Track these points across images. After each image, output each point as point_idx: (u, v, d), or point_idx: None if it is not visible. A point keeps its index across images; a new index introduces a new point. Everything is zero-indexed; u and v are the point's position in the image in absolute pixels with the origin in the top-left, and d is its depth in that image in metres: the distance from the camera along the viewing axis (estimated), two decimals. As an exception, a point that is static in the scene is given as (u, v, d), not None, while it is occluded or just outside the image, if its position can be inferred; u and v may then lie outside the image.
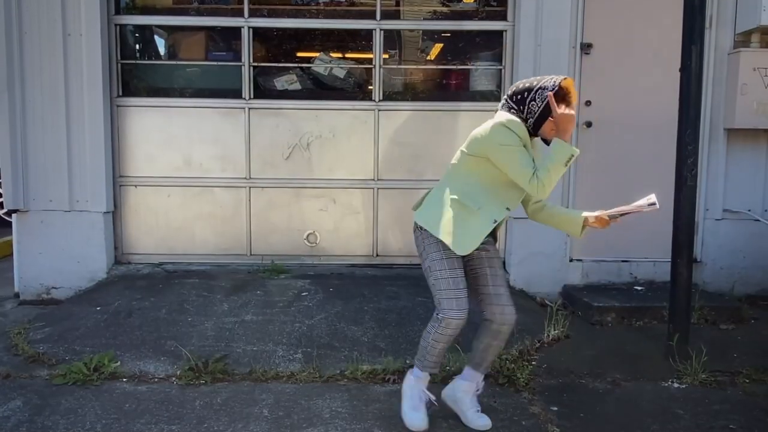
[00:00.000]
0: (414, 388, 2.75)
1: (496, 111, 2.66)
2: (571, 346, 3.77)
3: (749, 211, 4.68)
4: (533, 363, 3.49)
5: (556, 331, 3.82)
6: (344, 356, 3.45)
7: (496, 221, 2.59)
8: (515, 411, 2.99)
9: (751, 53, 4.44)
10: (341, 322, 3.83)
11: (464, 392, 2.80)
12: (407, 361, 3.37)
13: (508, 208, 2.63)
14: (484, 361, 2.78)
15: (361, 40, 4.95)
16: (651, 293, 4.51)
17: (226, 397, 3.07)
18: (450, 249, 2.56)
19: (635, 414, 3.01)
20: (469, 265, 2.73)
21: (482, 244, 2.63)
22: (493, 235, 2.71)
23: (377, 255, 4.91)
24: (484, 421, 2.77)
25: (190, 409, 2.94)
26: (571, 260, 4.72)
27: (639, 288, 4.63)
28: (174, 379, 3.25)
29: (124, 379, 3.25)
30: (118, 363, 3.35)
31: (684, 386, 3.32)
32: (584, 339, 3.89)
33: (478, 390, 2.82)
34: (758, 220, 4.66)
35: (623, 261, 4.74)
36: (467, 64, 4.92)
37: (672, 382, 3.36)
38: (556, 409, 3.03)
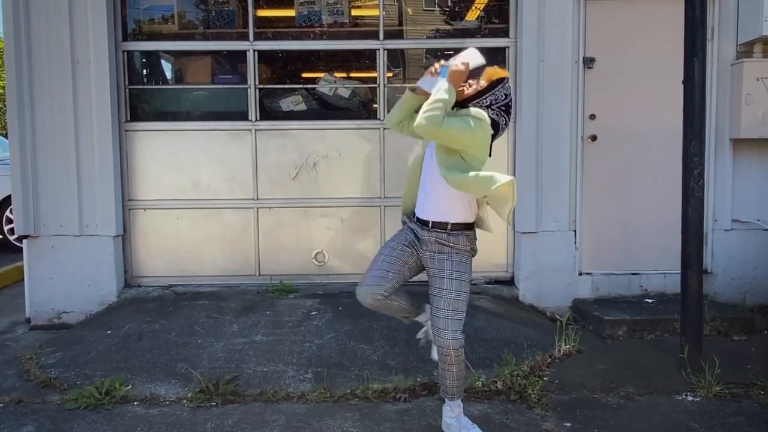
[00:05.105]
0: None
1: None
2: (583, 360, 3.75)
3: (758, 220, 4.65)
4: (545, 378, 3.47)
5: (568, 346, 3.80)
6: (355, 375, 3.44)
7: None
8: (528, 428, 2.97)
9: (754, 63, 4.45)
10: (351, 341, 3.82)
11: (450, 417, 2.84)
12: (418, 379, 3.37)
13: None
14: (443, 386, 2.81)
15: (365, 59, 5.00)
16: (662, 305, 4.48)
17: (237, 418, 3.06)
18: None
19: (649, 428, 2.98)
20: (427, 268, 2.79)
21: (433, 244, 2.71)
22: (448, 235, 2.71)
23: (386, 272, 4.90)
24: None
25: (202, 432, 2.94)
26: (580, 274, 4.70)
27: (650, 300, 4.60)
28: (185, 401, 3.25)
29: (136, 403, 3.25)
30: (130, 386, 3.36)
31: (698, 399, 3.29)
32: (596, 353, 3.86)
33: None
34: (768, 230, 4.65)
35: (633, 274, 4.72)
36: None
37: (686, 395, 3.34)
38: (569, 425, 3.01)
